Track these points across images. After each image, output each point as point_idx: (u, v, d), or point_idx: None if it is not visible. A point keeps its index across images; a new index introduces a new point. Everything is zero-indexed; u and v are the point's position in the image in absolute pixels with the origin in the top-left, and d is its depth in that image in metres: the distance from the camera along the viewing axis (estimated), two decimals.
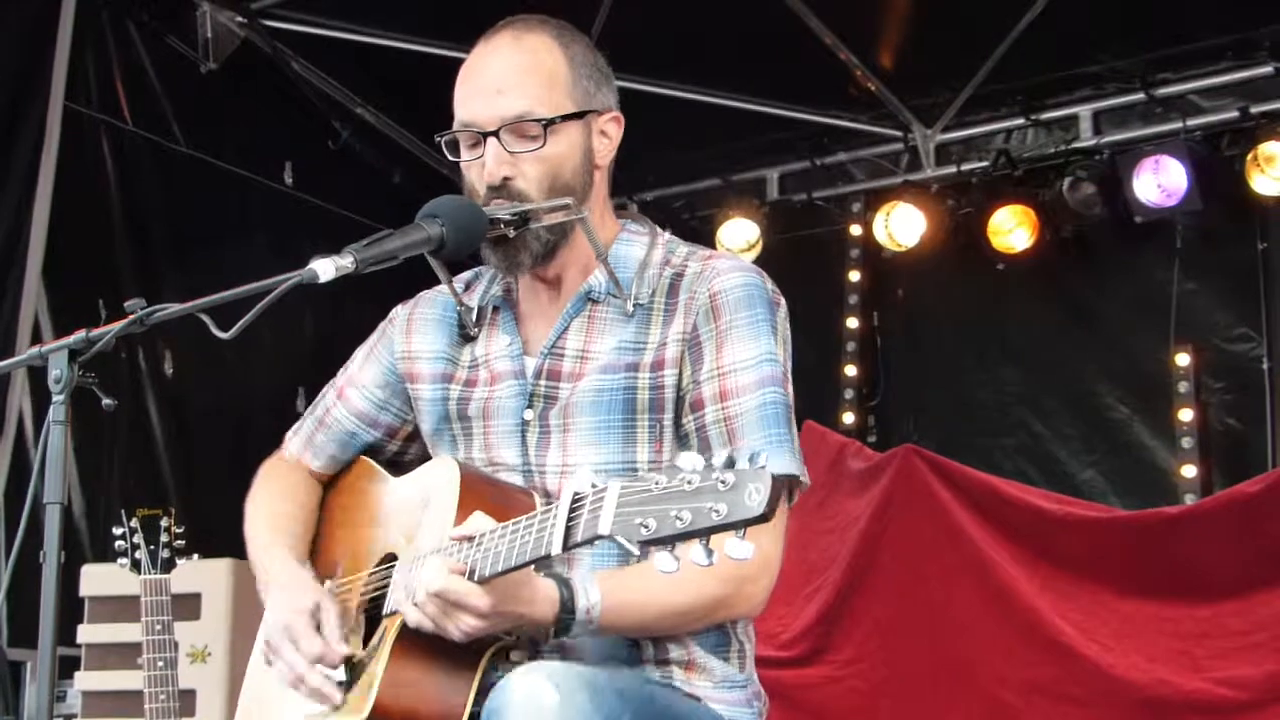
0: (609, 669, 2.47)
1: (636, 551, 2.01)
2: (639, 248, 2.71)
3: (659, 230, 2.78)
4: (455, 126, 2.66)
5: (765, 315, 2.61)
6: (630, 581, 2.40)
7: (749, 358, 2.57)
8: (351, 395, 2.89)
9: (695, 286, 2.62)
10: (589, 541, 2.09)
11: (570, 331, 2.67)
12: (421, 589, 2.27)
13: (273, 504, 2.90)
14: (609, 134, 2.71)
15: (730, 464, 1.96)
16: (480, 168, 2.63)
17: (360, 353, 2.93)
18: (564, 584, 2.32)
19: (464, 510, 2.43)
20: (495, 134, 2.60)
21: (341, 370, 2.95)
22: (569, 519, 2.11)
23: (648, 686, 2.50)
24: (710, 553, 1.96)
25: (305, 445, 2.95)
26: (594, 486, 2.09)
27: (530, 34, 2.68)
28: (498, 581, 2.24)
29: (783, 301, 2.67)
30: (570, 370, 2.64)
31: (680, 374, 2.59)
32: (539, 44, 2.67)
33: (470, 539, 2.23)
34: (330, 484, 2.95)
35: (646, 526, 1.98)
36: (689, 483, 1.96)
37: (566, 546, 2.12)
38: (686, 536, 1.96)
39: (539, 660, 2.43)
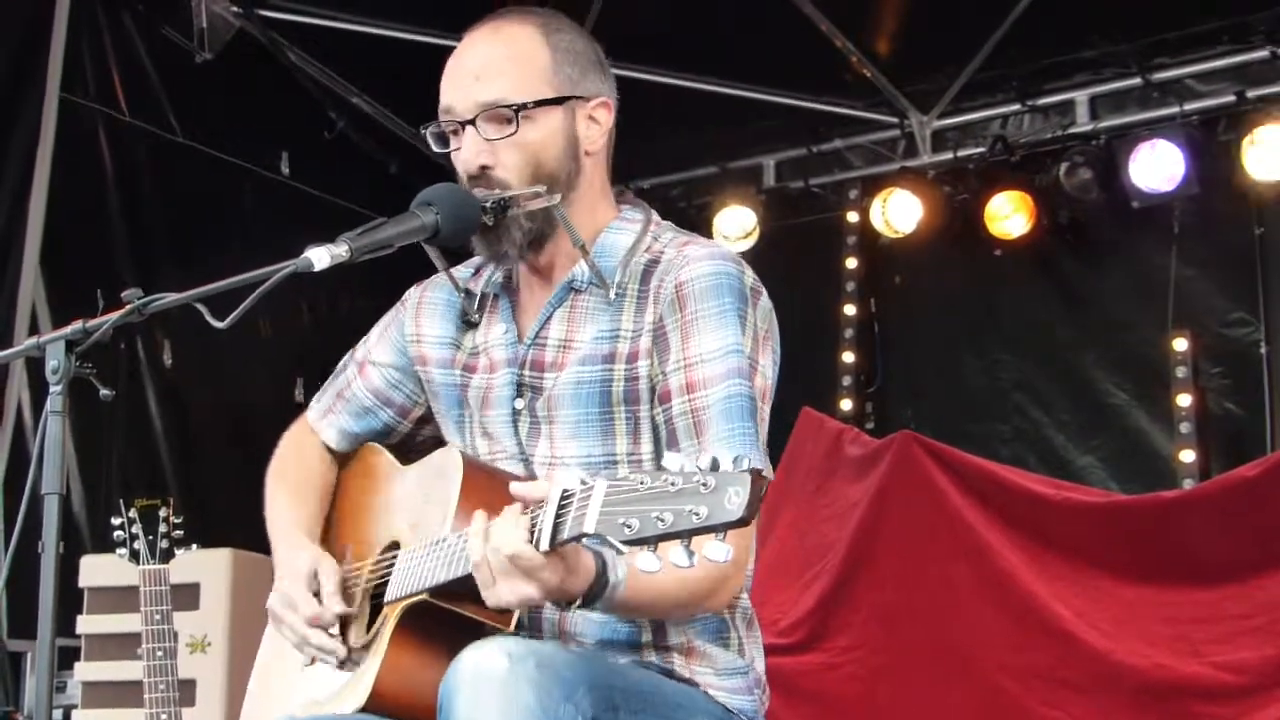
0: (582, 649, 2.48)
1: (623, 550, 2.00)
2: (628, 235, 2.69)
3: (654, 217, 2.75)
4: (439, 117, 2.67)
5: (734, 305, 2.56)
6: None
7: (715, 349, 2.53)
8: (370, 372, 2.90)
9: (664, 275, 2.60)
10: (576, 539, 2.08)
11: (553, 321, 2.66)
12: (490, 544, 2.20)
13: (291, 478, 2.92)
14: (598, 120, 2.68)
15: (715, 466, 1.95)
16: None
17: (376, 330, 2.94)
18: (598, 556, 2.28)
19: (465, 501, 2.43)
20: (472, 122, 2.60)
21: (361, 343, 2.96)
22: (557, 516, 2.10)
23: (620, 664, 2.50)
24: (691, 554, 1.95)
25: (323, 415, 2.96)
26: (583, 483, 2.08)
27: (510, 24, 2.68)
28: (558, 553, 2.18)
29: (763, 292, 2.63)
30: (553, 360, 2.64)
31: (651, 364, 2.57)
32: (518, 33, 2.66)
33: (541, 502, 2.16)
34: (345, 464, 2.96)
35: (630, 526, 1.97)
36: (673, 484, 1.96)
37: (554, 543, 2.11)
38: (668, 538, 1.95)
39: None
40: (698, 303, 2.56)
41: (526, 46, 2.65)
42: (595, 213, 2.69)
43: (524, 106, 2.58)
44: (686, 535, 1.94)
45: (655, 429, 2.58)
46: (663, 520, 1.95)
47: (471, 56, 2.65)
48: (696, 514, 1.93)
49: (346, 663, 2.54)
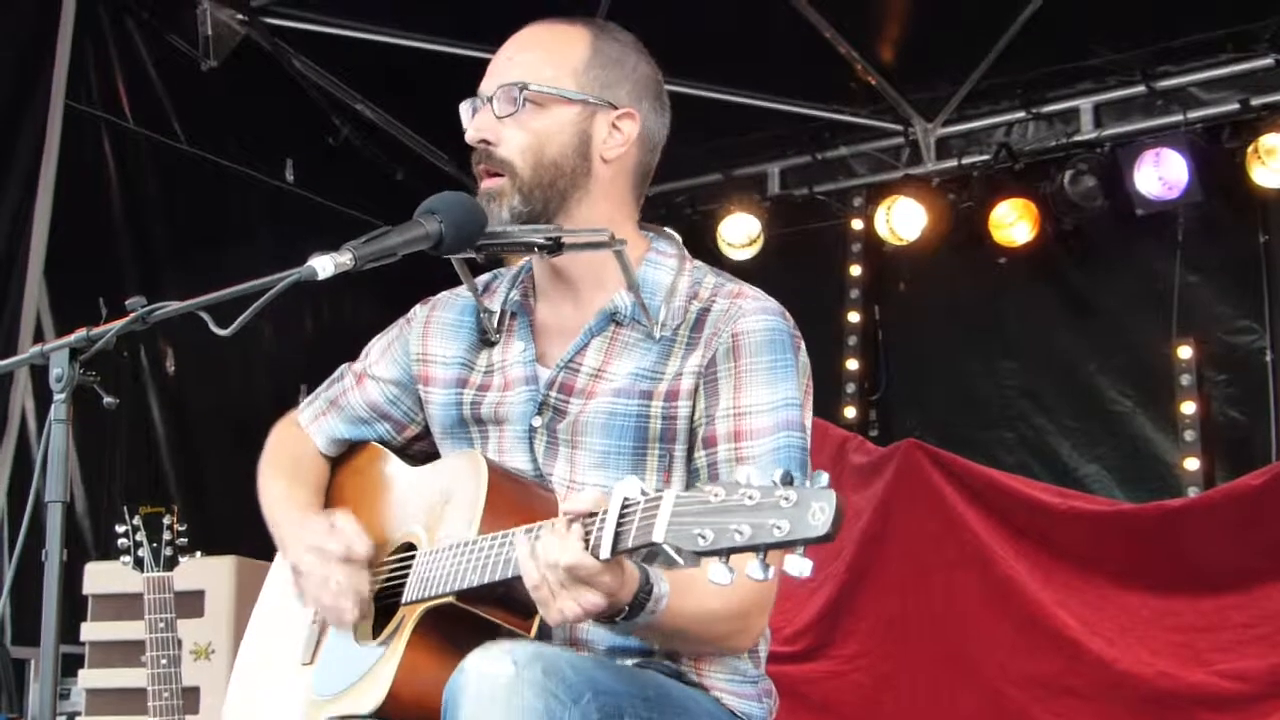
0: (588, 655, 2.47)
1: (682, 562, 2.00)
2: (666, 273, 2.69)
3: (687, 254, 2.76)
4: None
5: (788, 360, 2.59)
6: (683, 582, 2.32)
7: (767, 401, 2.55)
8: (368, 385, 2.89)
9: (720, 324, 2.60)
10: (639, 548, 2.07)
11: (589, 349, 2.66)
12: (544, 561, 2.18)
13: (287, 467, 2.92)
14: (621, 129, 2.70)
15: (789, 481, 1.95)
16: None
17: (378, 345, 2.93)
18: (641, 568, 2.26)
19: (491, 507, 2.42)
20: (491, 99, 2.63)
21: (361, 356, 2.95)
22: (618, 524, 2.09)
23: (628, 667, 2.49)
24: (767, 568, 1.95)
25: (314, 420, 2.96)
26: (644, 493, 2.08)
27: (563, 22, 2.72)
28: (615, 560, 2.18)
29: (803, 345, 2.65)
30: (583, 387, 2.63)
31: (693, 406, 2.58)
32: (566, 29, 2.71)
33: (594, 515, 2.16)
34: (340, 462, 2.95)
35: (704, 537, 1.96)
36: (750, 497, 1.95)
37: (615, 551, 2.10)
38: (743, 550, 1.95)
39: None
40: (753, 355, 2.57)
41: (567, 41, 2.69)
42: (621, 231, 2.67)
43: (526, 87, 2.61)
44: (764, 549, 1.94)
45: (693, 469, 2.58)
46: (740, 533, 1.94)
47: (515, 41, 2.70)
48: (778, 528, 1.92)
49: (356, 685, 2.51)
